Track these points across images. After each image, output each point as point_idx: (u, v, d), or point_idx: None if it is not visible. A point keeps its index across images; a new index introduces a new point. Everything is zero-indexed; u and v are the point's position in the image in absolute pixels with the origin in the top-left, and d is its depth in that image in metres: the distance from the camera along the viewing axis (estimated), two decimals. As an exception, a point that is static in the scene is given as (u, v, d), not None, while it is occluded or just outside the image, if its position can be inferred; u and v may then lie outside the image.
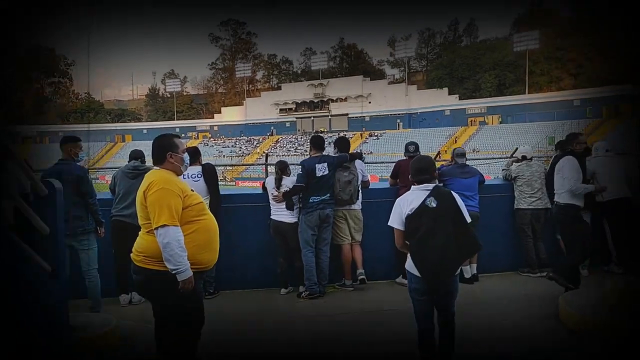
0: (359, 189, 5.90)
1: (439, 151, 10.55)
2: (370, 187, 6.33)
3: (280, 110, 69.63)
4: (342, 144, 6.17)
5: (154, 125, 73.25)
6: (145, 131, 68.19)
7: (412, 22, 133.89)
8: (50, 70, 78.39)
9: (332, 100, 66.81)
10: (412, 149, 6.27)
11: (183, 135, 70.59)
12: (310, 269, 5.63)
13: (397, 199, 3.57)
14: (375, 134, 59.60)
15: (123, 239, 4.89)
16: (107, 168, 46.06)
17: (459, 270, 3.46)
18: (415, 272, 3.39)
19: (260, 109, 69.96)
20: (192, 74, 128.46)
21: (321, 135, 6.32)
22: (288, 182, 5.79)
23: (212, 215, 3.33)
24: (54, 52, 77.98)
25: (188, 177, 5.48)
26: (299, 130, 67.48)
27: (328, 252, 5.78)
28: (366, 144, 57.39)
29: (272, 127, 68.64)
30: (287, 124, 68.73)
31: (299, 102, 68.76)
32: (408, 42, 69.72)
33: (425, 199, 3.35)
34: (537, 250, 6.30)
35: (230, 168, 48.78)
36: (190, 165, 5.56)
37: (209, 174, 5.65)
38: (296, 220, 5.76)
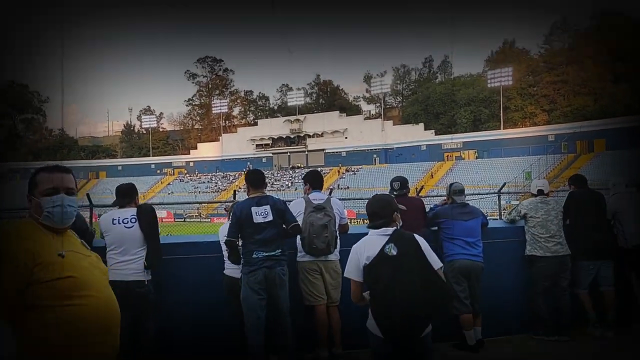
0: (337, 234, 4.73)
1: (422, 186, 9.66)
2: (349, 232, 5.10)
3: (257, 146, 69.11)
4: (314, 178, 4.96)
5: (129, 162, 72.27)
6: (120, 168, 67.02)
7: (387, 59, 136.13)
8: (23, 107, 76.63)
9: (309, 136, 66.44)
10: (396, 186, 5.29)
11: (159, 171, 69.40)
12: (255, 345, 4.20)
13: (354, 246, 3.12)
14: (352, 169, 59.14)
15: None
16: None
17: (429, 328, 2.94)
18: (377, 333, 2.91)
19: (236, 144, 69.36)
20: (169, 110, 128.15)
21: (259, 169, 4.96)
22: None
23: (105, 297, 2.08)
24: (28, 88, 76.65)
25: (119, 223, 4.30)
26: (275, 166, 66.95)
27: (288, 317, 4.38)
28: (343, 179, 56.85)
29: (248, 163, 67.68)
30: (264, 160, 67.90)
31: (276, 137, 68.25)
32: (383, 78, 70.03)
33: (384, 246, 2.94)
34: (563, 309, 5.11)
35: (205, 205, 48.03)
36: (125, 207, 4.46)
37: (146, 218, 4.34)
38: None
